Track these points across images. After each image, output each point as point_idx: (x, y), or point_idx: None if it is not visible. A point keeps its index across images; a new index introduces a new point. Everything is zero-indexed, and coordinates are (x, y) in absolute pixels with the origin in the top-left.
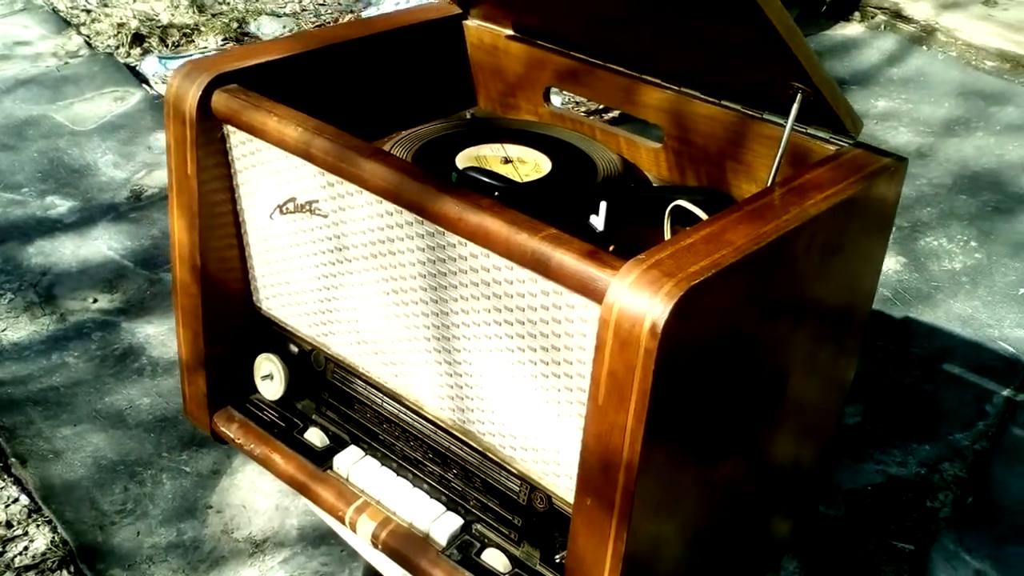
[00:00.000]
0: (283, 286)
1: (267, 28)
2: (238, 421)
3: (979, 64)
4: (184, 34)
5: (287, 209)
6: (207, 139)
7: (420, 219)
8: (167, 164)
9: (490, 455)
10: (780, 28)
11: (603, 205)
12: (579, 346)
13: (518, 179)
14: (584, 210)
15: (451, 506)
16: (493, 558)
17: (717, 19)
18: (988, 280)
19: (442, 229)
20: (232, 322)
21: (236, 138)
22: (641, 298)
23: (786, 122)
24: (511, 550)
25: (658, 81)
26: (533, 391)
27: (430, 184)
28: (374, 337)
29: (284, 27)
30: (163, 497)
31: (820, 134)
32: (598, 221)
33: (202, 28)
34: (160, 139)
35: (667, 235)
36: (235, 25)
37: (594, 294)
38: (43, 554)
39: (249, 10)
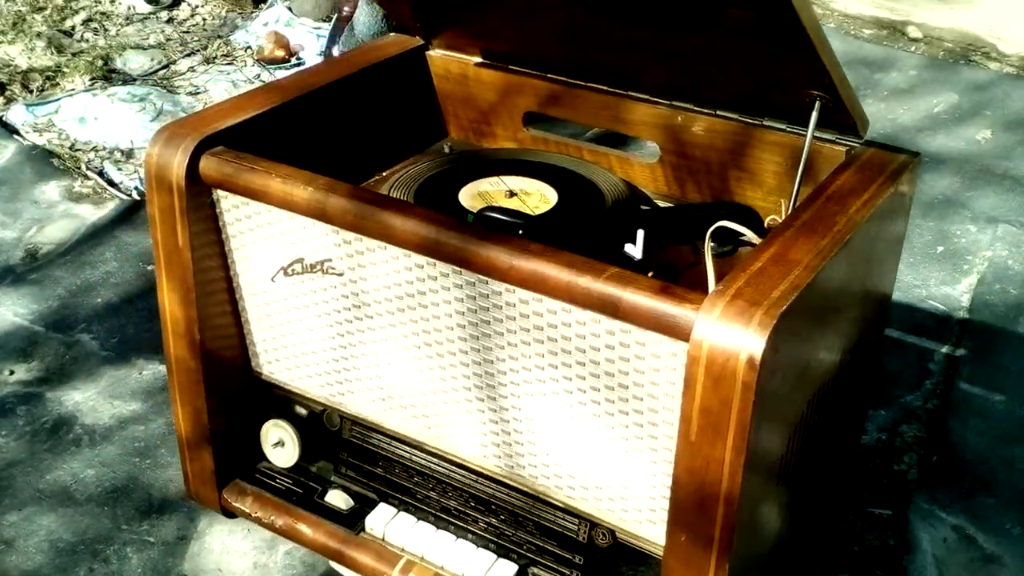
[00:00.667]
0: (289, 348)
1: (134, 63)
2: (251, 494)
3: (858, 33)
4: (47, 77)
5: (293, 271)
6: (195, 206)
7: (458, 270)
8: (152, 237)
9: (544, 498)
10: (813, 36)
11: (640, 233)
12: (651, 382)
13: (530, 212)
14: (598, 235)
15: (501, 553)
16: None
17: (726, 29)
18: (907, 242)
19: (484, 278)
20: (232, 392)
21: (228, 202)
22: (733, 331)
23: (795, 127)
24: None
25: (646, 96)
26: (595, 431)
27: (470, 234)
28: (402, 392)
29: (152, 59)
30: (132, 572)
31: (826, 136)
32: (635, 250)
33: (65, 69)
34: (46, 191)
35: (708, 256)
36: (100, 63)
37: (674, 331)
38: None
39: (112, 46)
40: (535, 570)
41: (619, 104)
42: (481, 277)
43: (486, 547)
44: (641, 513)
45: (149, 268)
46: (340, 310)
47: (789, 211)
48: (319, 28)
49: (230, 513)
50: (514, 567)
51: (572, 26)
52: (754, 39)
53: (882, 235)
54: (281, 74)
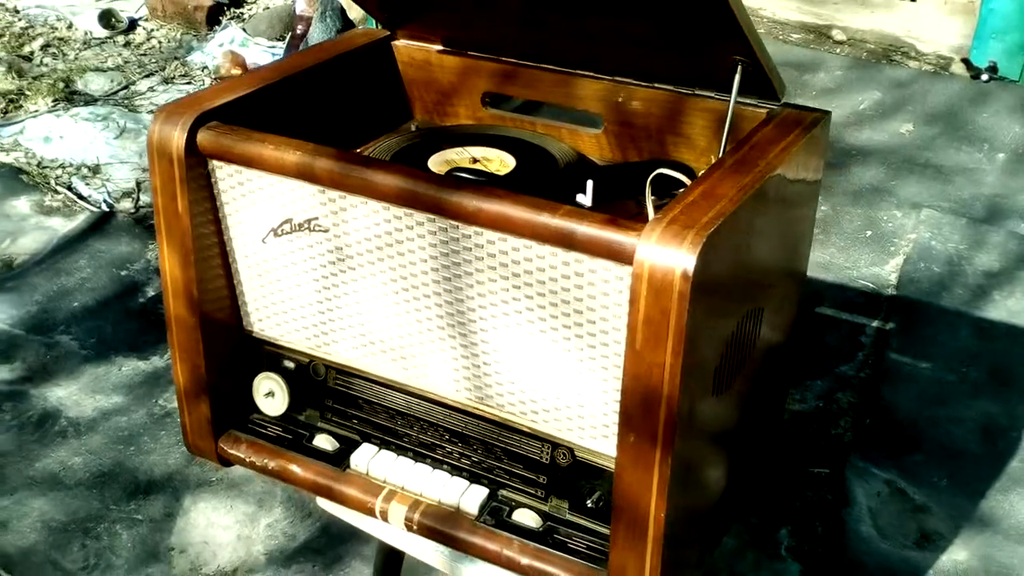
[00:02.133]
0: (277, 305)
1: (95, 84)
2: (245, 442)
3: (786, 38)
4: (10, 100)
5: (283, 231)
6: (193, 176)
7: (432, 217)
8: (154, 206)
9: (510, 425)
10: (735, 7)
11: (590, 184)
12: (602, 305)
13: (494, 173)
14: (553, 193)
15: (474, 479)
16: (524, 516)
17: (654, 13)
18: (837, 228)
19: (456, 223)
20: (226, 349)
21: (223, 172)
22: (669, 251)
23: (721, 94)
24: (539, 507)
25: (591, 74)
26: (555, 355)
27: (444, 185)
28: (381, 336)
29: (112, 81)
30: (123, 547)
31: (749, 101)
32: (586, 199)
33: (27, 92)
34: (16, 206)
35: (648, 201)
36: (61, 85)
37: (621, 255)
38: None
39: (72, 68)
40: (504, 492)
41: (568, 81)
42: (452, 223)
43: (460, 475)
44: (596, 430)
45: (122, 273)
46: (325, 264)
47: (714, 162)
48: (273, 47)
49: (226, 461)
50: (485, 491)
51: (524, 14)
52: (684, 17)
53: (798, 179)
54: None
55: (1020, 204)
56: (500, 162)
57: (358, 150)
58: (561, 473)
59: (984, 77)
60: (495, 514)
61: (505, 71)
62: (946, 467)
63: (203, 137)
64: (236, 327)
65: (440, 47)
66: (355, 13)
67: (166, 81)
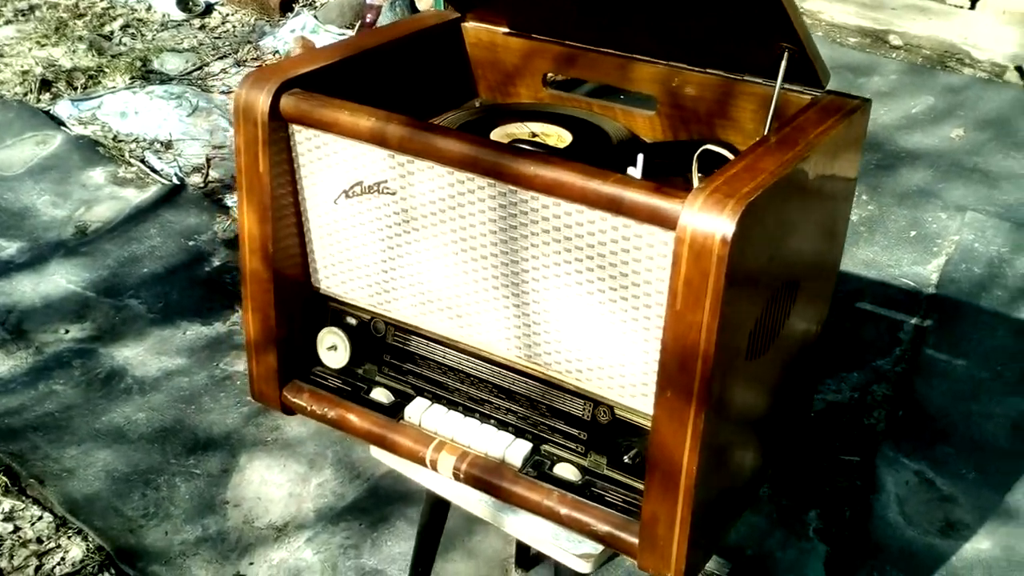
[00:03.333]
0: (344, 264)
1: (170, 64)
2: (307, 391)
3: (843, 41)
4: (89, 76)
5: (353, 192)
6: (274, 139)
7: (492, 182)
8: (236, 165)
9: (556, 383)
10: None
11: (640, 157)
12: (646, 268)
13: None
14: (606, 166)
15: (519, 434)
16: (565, 470)
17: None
18: (883, 227)
19: (514, 188)
20: (295, 303)
21: (302, 135)
22: (710, 217)
23: (769, 80)
24: (579, 461)
25: (648, 58)
26: (599, 316)
27: (504, 151)
28: (440, 295)
29: (187, 61)
30: (181, 499)
31: (794, 87)
32: (636, 172)
33: (106, 69)
34: (92, 176)
35: (695, 176)
36: (139, 64)
37: (665, 221)
38: (81, 561)
39: (150, 48)
40: (546, 447)
41: (625, 64)
42: (511, 187)
43: (506, 429)
44: (636, 388)
45: (190, 243)
46: (392, 225)
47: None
48: (343, 34)
49: (289, 409)
50: (529, 445)
51: (585, 1)
52: (736, 6)
53: (837, 160)
54: None
55: None
56: (558, 137)
57: (434, 121)
58: (601, 430)
59: None
60: (537, 467)
61: (566, 54)
62: (974, 460)
63: (286, 102)
64: (305, 283)
65: (506, 30)
66: (424, 3)
67: (238, 64)
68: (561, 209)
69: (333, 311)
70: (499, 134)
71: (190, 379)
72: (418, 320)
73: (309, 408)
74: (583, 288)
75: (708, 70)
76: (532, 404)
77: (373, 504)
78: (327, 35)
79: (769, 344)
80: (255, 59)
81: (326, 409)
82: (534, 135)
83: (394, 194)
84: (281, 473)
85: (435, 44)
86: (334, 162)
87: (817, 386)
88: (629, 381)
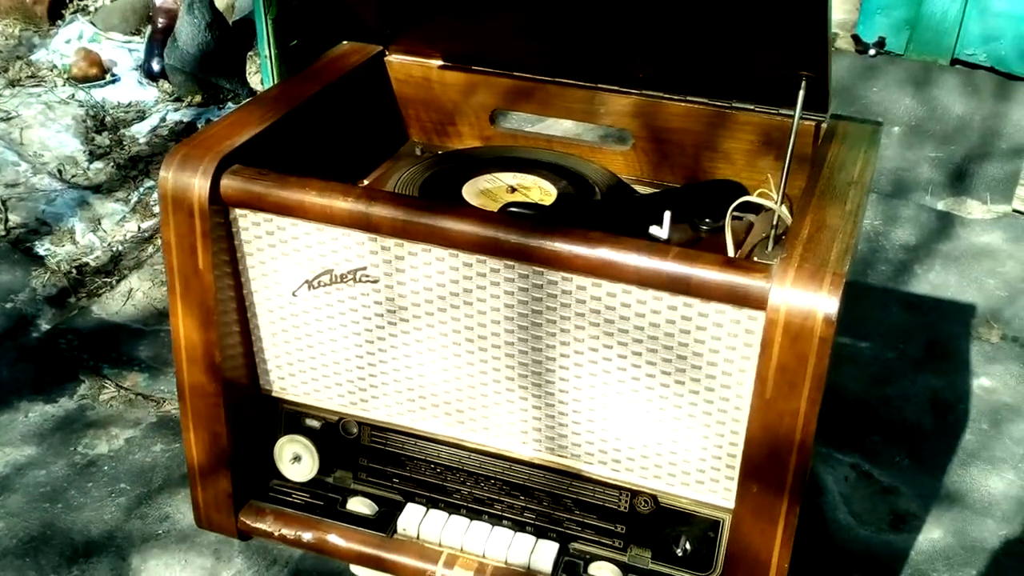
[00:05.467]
0: (305, 362)
1: None
2: (270, 512)
3: None
4: None
5: (320, 283)
6: (214, 228)
7: (511, 264)
8: (166, 263)
9: (581, 475)
10: (826, 26)
11: (667, 215)
12: (711, 349)
13: (543, 204)
14: (602, 220)
15: (540, 534)
16: (601, 569)
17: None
18: None
19: (540, 269)
20: (245, 414)
21: (247, 220)
22: (807, 296)
23: (763, 107)
24: (618, 558)
25: (617, 88)
26: (647, 402)
27: (531, 229)
28: (435, 391)
29: None
30: None
31: (786, 112)
32: (662, 231)
33: None
34: None
35: (728, 228)
36: None
37: (747, 300)
38: None
39: None
40: (577, 545)
41: (591, 97)
42: (536, 268)
43: (523, 530)
44: (689, 475)
45: (8, 306)
46: (371, 317)
47: (782, 183)
48: (129, 42)
49: (246, 535)
50: (556, 545)
51: (536, 23)
52: (746, 24)
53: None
54: (97, 92)
55: (923, 176)
56: (540, 190)
57: (366, 181)
58: (642, 521)
59: (872, 52)
60: (570, 569)
61: (516, 87)
62: (904, 445)
63: (228, 184)
64: (252, 387)
65: (440, 62)
66: (222, 3)
67: (12, 84)
68: (603, 290)
69: (288, 414)
70: (472, 192)
71: (47, 471)
72: (405, 419)
73: (277, 532)
74: (627, 373)
75: (689, 98)
76: (554, 499)
77: None
78: (110, 44)
79: None
80: (31, 76)
81: (299, 531)
82: (513, 189)
83: (376, 282)
84: (184, 571)
85: (359, 85)
86: (292, 248)
87: None
88: (682, 469)
